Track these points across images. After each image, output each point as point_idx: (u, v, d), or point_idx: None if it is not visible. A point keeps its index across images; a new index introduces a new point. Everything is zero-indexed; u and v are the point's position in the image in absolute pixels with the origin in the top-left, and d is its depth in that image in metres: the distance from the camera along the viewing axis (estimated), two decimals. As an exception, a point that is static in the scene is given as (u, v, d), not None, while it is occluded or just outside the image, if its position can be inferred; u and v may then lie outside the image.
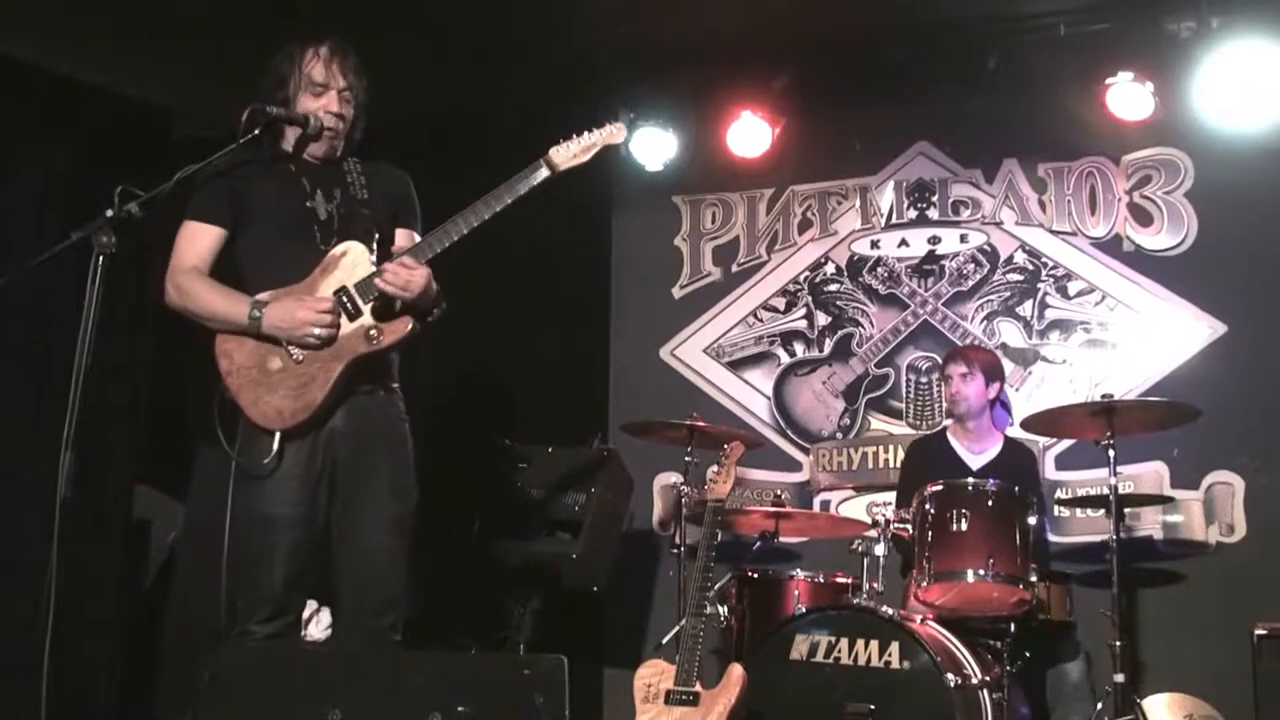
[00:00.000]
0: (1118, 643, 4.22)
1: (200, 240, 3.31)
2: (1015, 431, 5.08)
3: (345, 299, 3.24)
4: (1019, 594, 4.16)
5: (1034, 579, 4.18)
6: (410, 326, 3.26)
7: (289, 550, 3.21)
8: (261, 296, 3.24)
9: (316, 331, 3.19)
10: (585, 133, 3.44)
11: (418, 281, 3.23)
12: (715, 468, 4.31)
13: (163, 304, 3.34)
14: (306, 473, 3.23)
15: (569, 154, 3.41)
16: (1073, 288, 5.52)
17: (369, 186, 3.43)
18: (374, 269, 3.26)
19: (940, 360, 5.44)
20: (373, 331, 3.23)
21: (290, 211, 3.33)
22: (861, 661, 3.94)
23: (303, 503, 3.23)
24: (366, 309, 3.24)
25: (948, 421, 5.21)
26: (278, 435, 3.20)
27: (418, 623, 3.46)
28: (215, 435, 3.25)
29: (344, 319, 3.23)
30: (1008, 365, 5.45)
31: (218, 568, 3.30)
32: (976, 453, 4.94)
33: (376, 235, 3.36)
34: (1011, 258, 5.64)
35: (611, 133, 3.47)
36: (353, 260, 3.27)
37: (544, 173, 3.37)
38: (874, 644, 3.94)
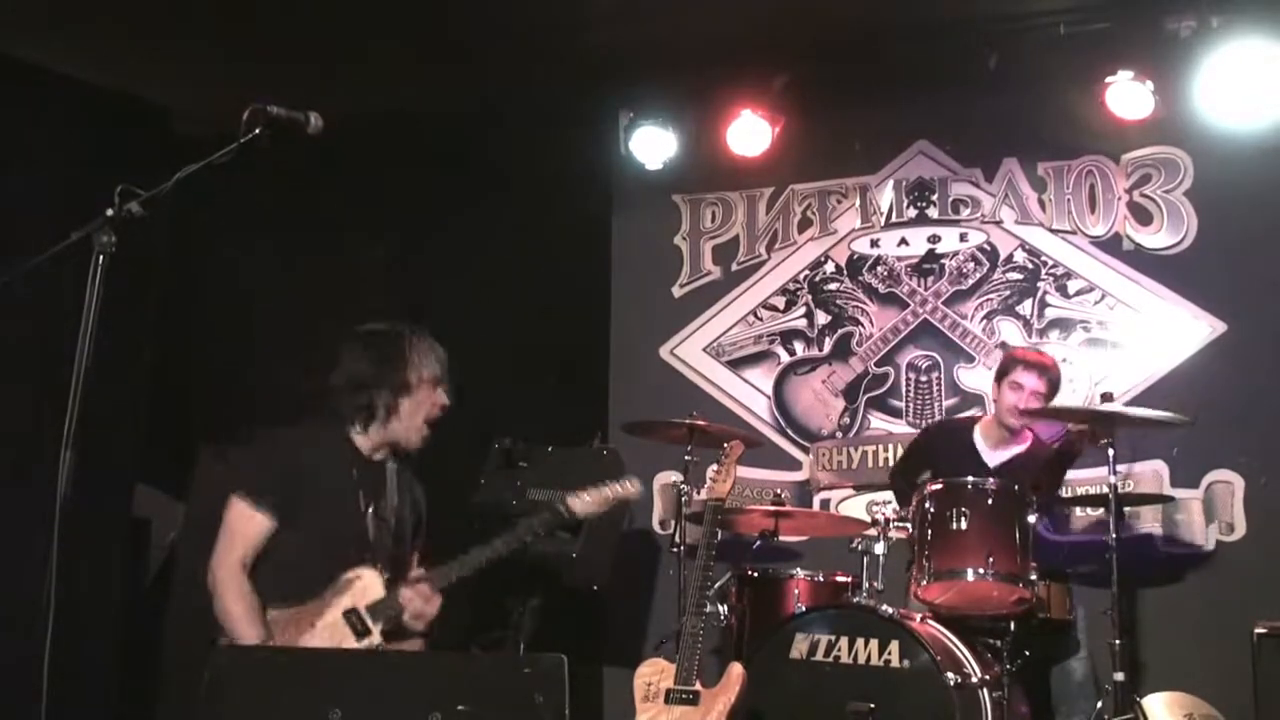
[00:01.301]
0: (1117, 641, 4.21)
1: (250, 530, 3.37)
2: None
3: (355, 619, 3.32)
4: (1019, 593, 4.16)
5: (1033, 578, 4.18)
6: (421, 650, 3.38)
7: None
8: (272, 616, 3.30)
9: None
10: (602, 484, 3.62)
11: (431, 613, 3.39)
12: (715, 467, 4.31)
13: (161, 313, 3.37)
14: None
15: (585, 504, 3.59)
16: (1072, 286, 5.52)
17: (400, 502, 3.53)
18: (385, 594, 3.35)
19: (939, 358, 5.46)
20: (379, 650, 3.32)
21: (342, 527, 3.41)
22: (861, 660, 3.94)
23: None
24: (376, 629, 3.33)
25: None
26: None
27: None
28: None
29: (352, 637, 3.31)
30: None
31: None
32: (995, 449, 4.83)
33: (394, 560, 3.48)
34: (1011, 256, 5.64)
35: (627, 488, 3.66)
36: (365, 585, 3.36)
37: (563, 515, 3.57)
38: (874, 643, 3.94)
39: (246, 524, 3.38)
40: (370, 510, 3.46)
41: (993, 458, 4.83)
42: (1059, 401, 5.11)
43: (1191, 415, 4.44)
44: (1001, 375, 4.81)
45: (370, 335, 3.53)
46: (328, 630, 3.32)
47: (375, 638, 3.33)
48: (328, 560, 3.38)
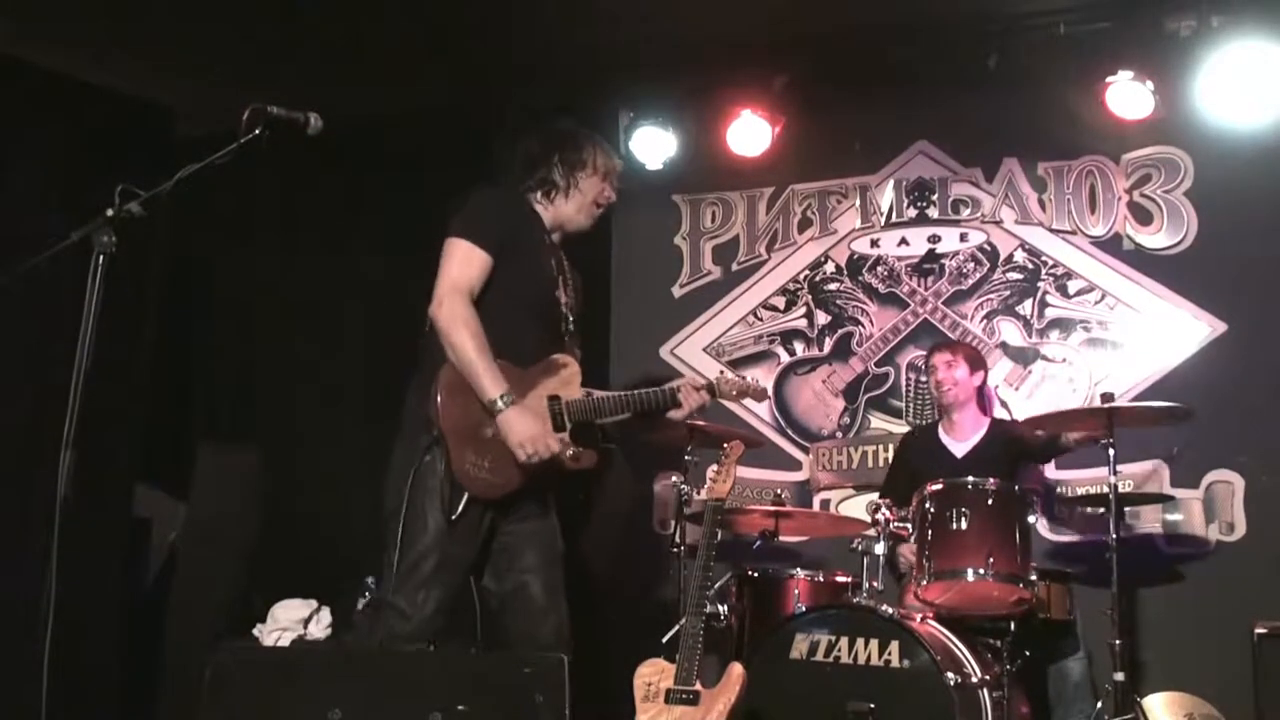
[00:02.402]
0: (1118, 641, 4.22)
1: (475, 265, 3.38)
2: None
3: (557, 409, 3.40)
4: (1019, 593, 4.16)
5: (1034, 578, 4.19)
6: (596, 461, 3.47)
7: (444, 584, 3.33)
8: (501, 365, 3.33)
9: (531, 457, 3.29)
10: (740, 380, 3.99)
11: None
12: (715, 467, 4.30)
13: (161, 313, 3.39)
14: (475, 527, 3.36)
15: (728, 387, 3.82)
16: (1072, 286, 5.52)
17: (574, 285, 3.62)
18: (583, 395, 3.44)
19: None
20: (571, 451, 3.40)
21: (543, 289, 3.48)
22: (861, 660, 3.94)
23: (468, 545, 3.35)
24: (570, 426, 3.40)
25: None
26: (467, 494, 3.31)
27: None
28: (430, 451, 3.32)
29: (551, 426, 3.37)
30: (1007, 364, 5.48)
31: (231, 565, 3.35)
32: (960, 440, 4.97)
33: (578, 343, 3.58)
34: (1011, 256, 5.64)
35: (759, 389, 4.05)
36: (570, 374, 3.45)
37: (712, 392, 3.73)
38: (874, 643, 3.94)
39: (472, 259, 3.36)
40: (560, 281, 3.52)
41: (959, 449, 4.96)
42: (1060, 400, 5.13)
43: (1190, 407, 4.45)
44: (929, 373, 5.15)
45: (547, 127, 3.69)
46: (533, 408, 3.35)
47: (566, 435, 3.38)
48: (532, 325, 3.42)
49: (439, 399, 3.29)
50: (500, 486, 3.34)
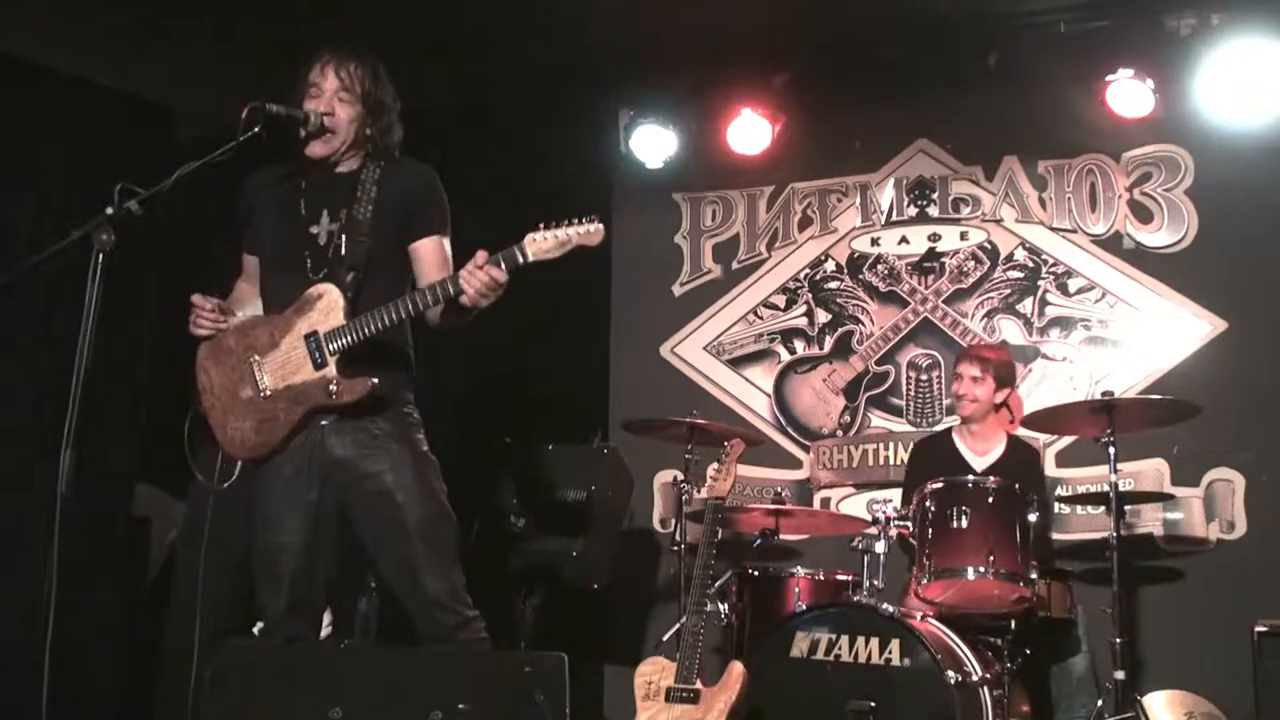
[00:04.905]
0: (1118, 640, 4.21)
1: (246, 269, 3.53)
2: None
3: (314, 346, 3.19)
4: (1019, 591, 4.16)
5: (1034, 576, 4.18)
6: (369, 388, 3.16)
7: (290, 576, 3.21)
8: (235, 320, 3.36)
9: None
10: (563, 226, 3.22)
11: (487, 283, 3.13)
12: (716, 465, 4.31)
13: (161, 313, 3.41)
14: (304, 503, 3.23)
15: (543, 246, 3.20)
16: (1073, 285, 5.52)
17: (378, 198, 3.35)
18: (346, 318, 3.18)
19: (940, 356, 5.49)
20: (332, 386, 3.16)
21: (290, 237, 3.34)
22: (862, 659, 3.94)
23: (301, 531, 3.22)
24: (333, 361, 3.17)
25: (951, 420, 5.21)
26: (239, 462, 3.28)
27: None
28: (185, 447, 3.35)
29: (310, 366, 3.19)
30: (1008, 364, 5.47)
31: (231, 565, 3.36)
32: (981, 454, 4.92)
33: (364, 270, 3.27)
34: (1012, 255, 5.64)
35: (589, 232, 3.24)
36: (327, 304, 3.21)
37: (518, 261, 3.18)
38: (874, 641, 3.94)
39: (245, 267, 3.53)
40: (323, 215, 3.32)
41: (979, 463, 4.88)
42: (1060, 399, 5.12)
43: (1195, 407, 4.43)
44: (953, 379, 5.00)
45: None
46: (286, 356, 3.21)
47: (331, 369, 3.15)
48: (280, 273, 3.33)
49: (199, 378, 3.32)
50: (264, 445, 3.22)
